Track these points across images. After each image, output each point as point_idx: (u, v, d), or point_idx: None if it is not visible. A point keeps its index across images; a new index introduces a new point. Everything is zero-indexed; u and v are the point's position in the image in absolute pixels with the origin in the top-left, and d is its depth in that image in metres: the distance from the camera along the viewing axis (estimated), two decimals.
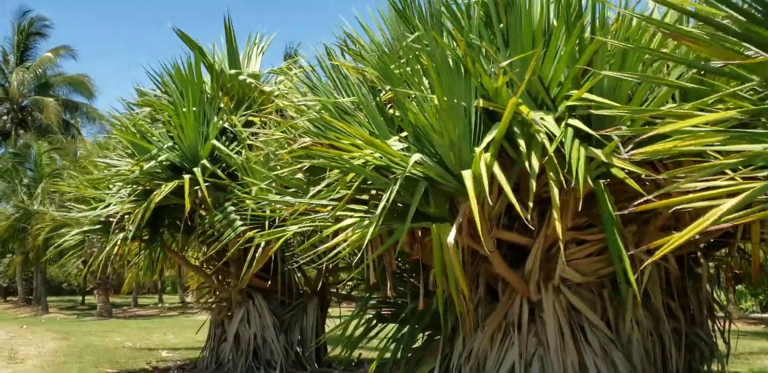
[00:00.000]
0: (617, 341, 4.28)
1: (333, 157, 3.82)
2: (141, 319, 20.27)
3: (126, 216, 6.26)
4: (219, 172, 5.79)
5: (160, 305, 29.11)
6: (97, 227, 6.63)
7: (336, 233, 4.17)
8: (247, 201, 5.79)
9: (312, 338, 6.83)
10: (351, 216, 4.13)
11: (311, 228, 5.09)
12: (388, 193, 3.65)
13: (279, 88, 6.44)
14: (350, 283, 7.97)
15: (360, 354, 8.16)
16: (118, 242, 6.29)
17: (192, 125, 5.74)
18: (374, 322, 5.58)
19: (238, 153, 5.91)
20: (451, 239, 3.61)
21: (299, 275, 7.78)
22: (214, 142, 5.80)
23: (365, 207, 4.16)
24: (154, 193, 5.74)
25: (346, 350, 5.78)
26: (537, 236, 4.25)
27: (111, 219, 6.59)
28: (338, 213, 4.16)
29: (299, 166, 4.35)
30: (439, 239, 3.85)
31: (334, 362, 7.44)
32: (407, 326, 5.21)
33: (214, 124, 5.89)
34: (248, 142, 5.75)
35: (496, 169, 3.40)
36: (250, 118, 6.06)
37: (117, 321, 18.98)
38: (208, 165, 5.75)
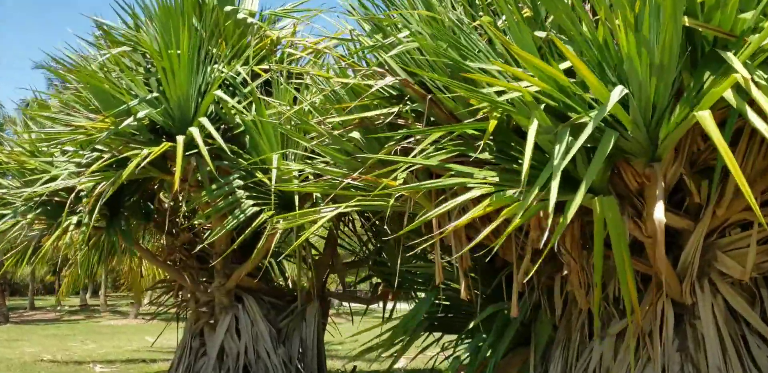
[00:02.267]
0: None
1: (471, 91, 2.57)
2: (44, 324, 17.88)
3: (81, 193, 4.68)
4: (216, 134, 4.31)
5: (59, 308, 26.27)
6: (38, 208, 4.97)
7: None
8: (258, 174, 4.41)
9: (314, 350, 5.49)
10: (466, 184, 2.90)
11: (358, 208, 3.83)
12: (563, 145, 2.49)
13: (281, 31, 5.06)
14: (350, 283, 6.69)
15: (355, 367, 6.90)
16: (71, 228, 4.71)
17: (185, 72, 4.27)
18: (426, 330, 4.37)
19: (246, 109, 4.48)
20: (660, 214, 2.48)
21: (286, 272, 6.43)
22: (219, 93, 4.34)
23: (492, 173, 2.93)
24: (130, 161, 4.22)
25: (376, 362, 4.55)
26: (702, 218, 3.19)
27: (56, 198, 4.99)
28: (452, 181, 2.93)
29: (381, 111, 3.03)
30: (603, 219, 2.74)
31: None
32: (483, 336, 4.02)
33: (215, 70, 4.42)
34: (259, 97, 4.34)
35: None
36: (256, 68, 4.63)
37: (17, 327, 16.54)
38: (207, 125, 4.27)
